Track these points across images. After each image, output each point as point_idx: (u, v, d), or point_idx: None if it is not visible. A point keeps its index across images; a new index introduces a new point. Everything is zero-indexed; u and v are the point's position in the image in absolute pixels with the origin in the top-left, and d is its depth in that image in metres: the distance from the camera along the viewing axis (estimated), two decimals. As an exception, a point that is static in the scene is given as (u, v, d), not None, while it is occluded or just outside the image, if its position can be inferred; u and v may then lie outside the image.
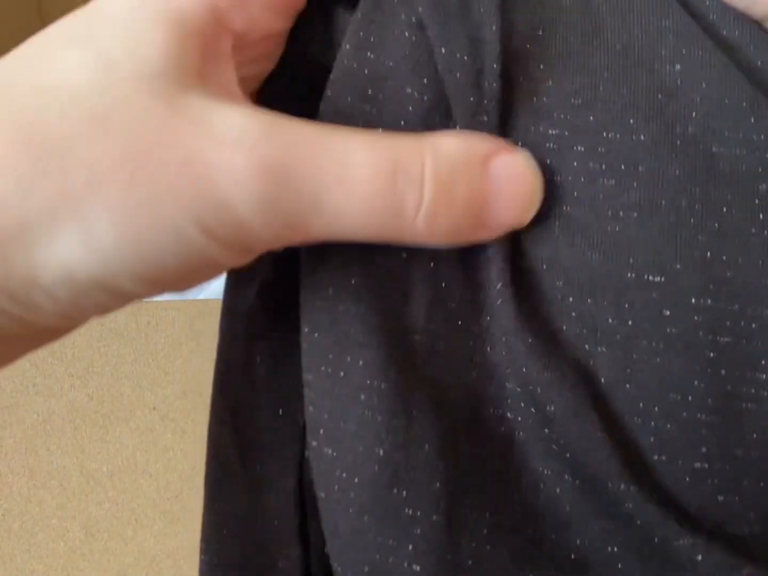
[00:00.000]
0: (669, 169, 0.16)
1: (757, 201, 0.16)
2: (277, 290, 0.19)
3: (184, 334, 0.77)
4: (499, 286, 0.16)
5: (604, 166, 0.16)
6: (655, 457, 0.16)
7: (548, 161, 0.16)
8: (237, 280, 0.19)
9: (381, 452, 0.16)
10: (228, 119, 0.14)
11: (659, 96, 0.16)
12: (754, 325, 0.15)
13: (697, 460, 0.16)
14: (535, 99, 0.16)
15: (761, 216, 0.16)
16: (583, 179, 0.16)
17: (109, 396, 0.78)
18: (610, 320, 0.16)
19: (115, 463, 0.78)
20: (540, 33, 0.17)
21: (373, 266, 0.17)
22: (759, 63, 0.17)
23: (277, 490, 0.19)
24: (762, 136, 0.16)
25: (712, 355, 0.15)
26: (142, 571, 0.72)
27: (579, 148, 0.16)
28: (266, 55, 0.18)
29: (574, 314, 0.16)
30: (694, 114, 0.16)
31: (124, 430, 0.81)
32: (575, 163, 0.16)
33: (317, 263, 0.17)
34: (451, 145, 0.15)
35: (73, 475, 0.77)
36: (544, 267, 0.16)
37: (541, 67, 0.17)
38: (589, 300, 0.16)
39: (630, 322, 0.16)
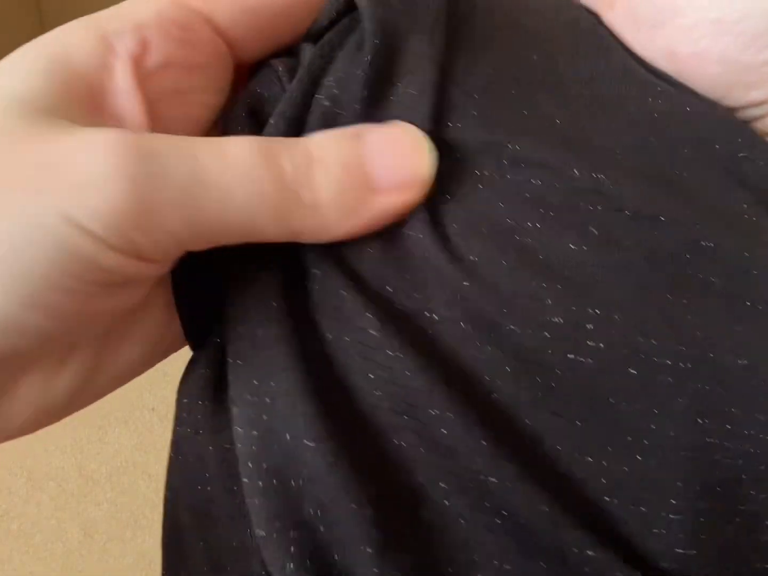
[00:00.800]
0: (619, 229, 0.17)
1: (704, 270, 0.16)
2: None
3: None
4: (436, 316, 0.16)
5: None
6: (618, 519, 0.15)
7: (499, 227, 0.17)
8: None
9: (301, 483, 0.15)
10: (93, 132, 0.14)
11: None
12: (726, 378, 0.16)
13: (669, 510, 0.15)
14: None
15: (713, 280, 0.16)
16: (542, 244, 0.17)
17: (108, 396, 0.78)
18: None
19: (114, 464, 0.78)
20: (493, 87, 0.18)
21: (291, 289, 0.17)
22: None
23: (235, 561, 0.17)
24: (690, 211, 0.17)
25: (680, 400, 0.16)
26: (141, 572, 0.72)
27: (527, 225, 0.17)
28: (184, 90, 0.18)
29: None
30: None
31: (122, 430, 0.80)
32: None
33: (238, 291, 0.17)
34: (321, 133, 0.16)
35: (72, 476, 0.77)
36: (502, 310, 0.16)
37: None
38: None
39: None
